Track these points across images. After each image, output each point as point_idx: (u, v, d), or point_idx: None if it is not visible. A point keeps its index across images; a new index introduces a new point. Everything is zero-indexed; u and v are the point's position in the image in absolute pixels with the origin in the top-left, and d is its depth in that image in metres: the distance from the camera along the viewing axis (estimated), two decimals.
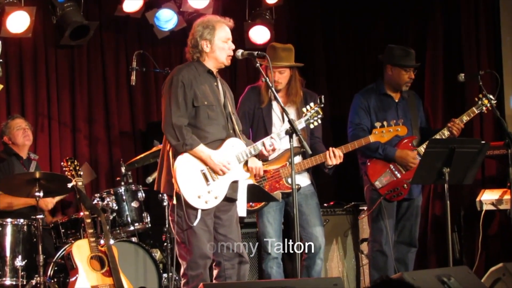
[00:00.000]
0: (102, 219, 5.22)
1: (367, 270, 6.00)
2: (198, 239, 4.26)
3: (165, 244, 5.63)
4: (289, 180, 5.07)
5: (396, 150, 5.43)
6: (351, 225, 6.24)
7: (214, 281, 4.39)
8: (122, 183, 5.79)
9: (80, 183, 5.21)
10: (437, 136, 5.34)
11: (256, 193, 4.88)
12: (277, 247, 5.23)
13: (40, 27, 6.42)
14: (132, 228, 5.70)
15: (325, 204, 6.25)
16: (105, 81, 6.77)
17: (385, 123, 5.12)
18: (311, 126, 4.62)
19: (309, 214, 5.24)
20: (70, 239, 5.56)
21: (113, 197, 5.61)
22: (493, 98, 5.30)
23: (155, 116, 6.79)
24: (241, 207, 4.57)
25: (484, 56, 6.48)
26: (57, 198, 5.94)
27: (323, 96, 4.55)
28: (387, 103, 5.58)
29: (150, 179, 5.75)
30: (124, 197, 5.70)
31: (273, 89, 4.41)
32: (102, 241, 5.17)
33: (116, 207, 5.61)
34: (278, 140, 4.44)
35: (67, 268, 5.18)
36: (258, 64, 4.41)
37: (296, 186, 5.05)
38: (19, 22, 6.14)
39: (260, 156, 4.55)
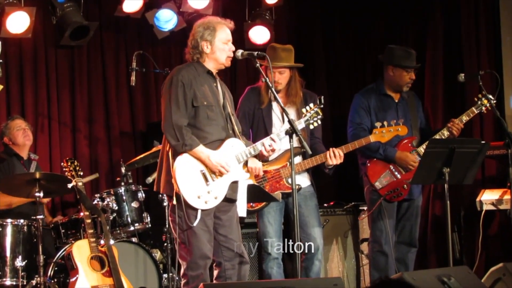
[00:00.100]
0: (102, 219, 5.22)
1: (367, 270, 6.01)
2: (198, 239, 4.26)
3: (165, 244, 5.64)
4: (290, 180, 5.07)
5: (396, 151, 5.42)
6: (351, 225, 6.24)
7: (214, 282, 4.39)
8: (122, 184, 5.79)
9: (80, 183, 5.21)
10: (437, 136, 5.34)
11: (256, 194, 4.88)
12: (277, 248, 5.23)
13: (40, 28, 6.42)
14: (132, 228, 5.70)
15: (325, 204, 6.26)
16: (105, 81, 6.77)
17: (385, 123, 5.12)
18: (311, 127, 4.62)
19: (308, 215, 5.24)
20: (70, 239, 5.57)
21: (113, 197, 5.62)
22: (492, 98, 5.30)
23: (155, 116, 6.80)
24: (241, 208, 4.57)
25: (484, 56, 6.48)
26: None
27: (322, 97, 4.55)
28: (387, 103, 5.58)
29: (150, 179, 5.75)
30: (124, 198, 5.71)
31: (273, 89, 4.41)
32: (102, 242, 5.17)
33: (116, 208, 5.62)
34: (277, 141, 4.44)
35: (67, 269, 5.18)
36: (258, 65, 4.41)
37: (297, 186, 5.07)
38: (19, 22, 6.14)
39: (260, 157, 4.56)
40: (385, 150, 5.42)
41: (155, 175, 4.52)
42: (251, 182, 4.95)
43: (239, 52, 4.40)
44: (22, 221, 5.42)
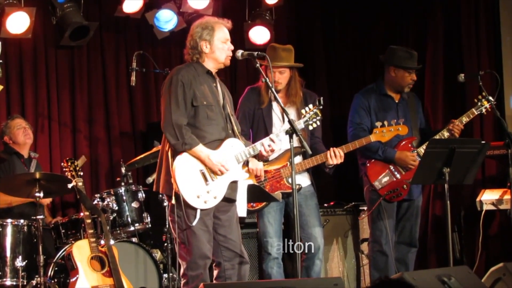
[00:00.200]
0: (103, 219, 5.22)
1: (367, 270, 6.01)
2: (198, 239, 4.26)
3: (165, 244, 5.64)
4: (290, 180, 5.07)
5: (396, 151, 5.42)
6: (351, 225, 6.24)
7: (214, 282, 4.38)
8: (122, 184, 5.79)
9: (80, 184, 5.21)
10: (437, 137, 5.34)
11: (256, 194, 4.88)
12: (278, 247, 5.23)
13: (40, 28, 6.42)
14: (132, 228, 5.70)
15: (325, 204, 6.25)
16: (105, 81, 6.77)
17: (385, 122, 5.12)
18: (310, 127, 4.61)
19: (309, 214, 5.24)
20: (71, 239, 5.57)
21: (113, 197, 5.62)
22: (493, 99, 5.30)
23: (155, 116, 6.80)
24: (241, 208, 4.57)
25: (484, 56, 6.48)
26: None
27: (322, 98, 4.55)
28: (387, 104, 5.58)
29: (150, 179, 5.75)
30: (124, 198, 5.71)
31: (273, 89, 4.41)
32: (102, 242, 5.17)
33: (116, 208, 5.62)
34: (277, 141, 4.43)
35: (67, 269, 5.18)
36: (258, 65, 4.41)
37: (297, 186, 5.07)
38: (19, 22, 6.14)
39: (260, 157, 4.55)
40: (384, 151, 5.42)
41: (155, 175, 4.52)
42: (251, 182, 4.95)
43: (239, 52, 4.40)
44: (22, 221, 5.42)
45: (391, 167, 5.45)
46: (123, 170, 5.86)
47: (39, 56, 6.51)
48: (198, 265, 4.27)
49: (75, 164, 5.29)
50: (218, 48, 4.39)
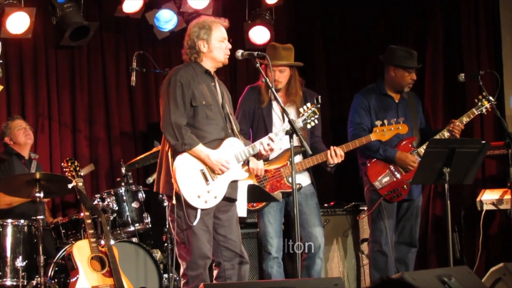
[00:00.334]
0: (103, 219, 5.22)
1: (367, 270, 6.00)
2: (198, 239, 4.26)
3: (166, 244, 5.64)
4: (290, 180, 5.07)
5: (396, 151, 5.42)
6: (352, 225, 6.25)
7: (214, 282, 4.38)
8: (123, 184, 5.80)
9: (80, 184, 5.21)
10: (437, 137, 5.33)
11: (256, 194, 4.89)
12: (278, 247, 5.24)
13: (40, 28, 6.43)
14: (132, 228, 5.70)
15: (326, 205, 6.26)
16: (105, 81, 6.77)
17: (385, 121, 5.12)
18: (308, 126, 4.61)
19: (309, 214, 5.24)
20: (71, 239, 5.57)
21: (114, 197, 5.62)
22: (493, 99, 5.30)
23: (155, 116, 6.80)
24: (241, 208, 4.57)
25: (484, 56, 6.48)
26: None
27: (320, 97, 4.55)
28: (388, 104, 5.58)
29: (150, 179, 5.75)
30: (124, 198, 5.71)
31: (273, 89, 4.41)
32: (102, 242, 5.18)
33: (117, 208, 5.62)
34: (276, 140, 4.43)
35: (67, 269, 5.18)
36: (258, 65, 4.40)
37: (298, 186, 5.07)
38: (19, 23, 6.14)
39: (259, 156, 4.55)
40: (385, 150, 5.42)
41: (155, 176, 4.53)
42: (252, 182, 4.95)
43: (239, 52, 4.40)
44: (22, 221, 5.42)
45: (392, 167, 5.45)
46: (123, 170, 5.86)
47: (39, 56, 6.51)
48: (198, 265, 4.27)
49: (76, 164, 5.29)
50: (215, 47, 4.39)
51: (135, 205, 5.73)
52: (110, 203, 5.56)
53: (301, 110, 4.60)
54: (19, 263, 5.26)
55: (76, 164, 5.30)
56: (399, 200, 5.48)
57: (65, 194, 6.16)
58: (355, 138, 5.23)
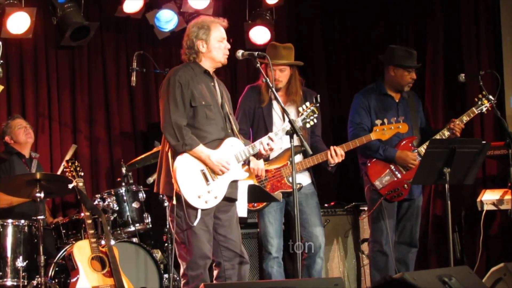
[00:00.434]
0: (103, 219, 5.23)
1: (368, 270, 6.00)
2: (198, 239, 4.26)
3: (166, 244, 5.64)
4: (291, 179, 5.07)
5: (396, 151, 5.43)
6: (352, 225, 6.25)
7: (214, 282, 4.38)
8: (123, 184, 5.80)
9: (81, 184, 5.21)
10: (437, 136, 5.34)
11: (256, 194, 4.88)
12: (278, 247, 5.24)
13: (40, 28, 6.43)
14: (133, 228, 5.70)
15: (326, 205, 6.26)
16: (106, 81, 6.78)
17: (385, 120, 5.13)
18: (307, 125, 4.60)
19: (310, 213, 5.25)
20: (71, 239, 5.57)
21: (114, 197, 5.62)
22: (493, 98, 5.30)
23: (155, 116, 6.80)
24: (242, 208, 4.57)
25: (484, 56, 6.48)
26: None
27: (318, 96, 4.56)
28: (388, 103, 5.59)
29: (151, 179, 5.75)
30: (125, 198, 5.71)
31: (273, 89, 4.41)
32: (103, 242, 5.18)
33: (117, 208, 5.62)
34: (276, 140, 4.43)
35: (68, 269, 5.18)
36: (258, 65, 4.40)
37: (298, 185, 5.08)
38: (19, 23, 6.14)
39: (259, 156, 4.55)
40: (385, 150, 5.42)
41: (155, 176, 4.53)
42: (252, 182, 4.95)
43: (240, 52, 4.40)
44: (23, 221, 5.42)
45: (392, 167, 5.45)
46: (123, 170, 5.87)
47: (40, 56, 6.52)
48: (198, 265, 4.27)
49: (76, 164, 5.29)
50: (214, 47, 4.39)
51: (135, 205, 5.73)
52: (110, 203, 5.56)
53: (300, 109, 4.61)
54: (20, 263, 5.26)
55: (76, 164, 5.30)
56: (399, 200, 5.48)
57: (65, 194, 6.16)
58: (355, 138, 5.23)
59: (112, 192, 5.68)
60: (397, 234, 5.58)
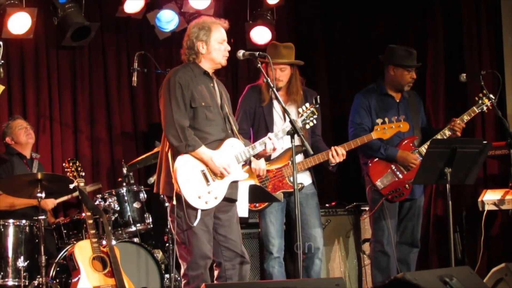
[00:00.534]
0: (104, 219, 5.23)
1: (369, 271, 6.00)
2: (198, 239, 4.26)
3: (167, 244, 5.64)
4: (292, 179, 5.07)
5: (398, 150, 5.43)
6: (353, 226, 6.24)
7: (215, 282, 4.38)
8: (124, 184, 5.80)
9: (82, 184, 5.21)
10: (438, 136, 5.34)
11: (258, 194, 4.88)
12: (279, 247, 5.24)
13: (41, 28, 6.43)
14: (134, 228, 5.71)
15: (327, 205, 6.25)
16: (107, 82, 6.78)
17: (386, 119, 5.12)
18: (307, 126, 4.61)
19: (309, 214, 5.25)
20: (72, 239, 5.57)
21: (115, 197, 5.62)
22: (493, 97, 5.30)
23: (156, 116, 6.79)
24: (242, 208, 4.57)
25: (485, 56, 6.47)
26: (59, 200, 5.94)
27: (318, 97, 4.56)
28: (388, 103, 5.58)
29: (151, 179, 5.75)
30: (126, 198, 5.71)
31: (274, 89, 4.41)
32: (104, 242, 5.18)
33: (118, 208, 5.62)
34: (275, 141, 4.43)
35: (69, 269, 5.19)
36: (259, 65, 4.40)
37: (300, 185, 5.08)
38: (20, 23, 6.14)
39: (259, 156, 4.54)
40: (386, 149, 5.42)
41: (155, 176, 4.52)
42: (253, 182, 4.95)
43: (241, 52, 4.40)
44: (24, 221, 5.42)
45: (393, 167, 5.45)
46: (124, 170, 5.87)
47: (41, 56, 6.52)
48: (198, 265, 4.28)
49: (77, 164, 5.30)
50: (214, 48, 4.38)
51: (136, 205, 5.73)
52: (111, 203, 5.57)
53: (300, 110, 4.61)
54: (21, 263, 5.26)
55: (77, 164, 5.31)
56: (401, 200, 5.48)
57: (66, 195, 6.15)
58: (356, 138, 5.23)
59: (113, 192, 5.68)
60: (398, 234, 5.57)
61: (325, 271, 5.97)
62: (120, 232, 5.67)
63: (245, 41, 6.87)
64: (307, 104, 4.60)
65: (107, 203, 5.56)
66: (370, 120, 5.51)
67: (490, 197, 6.01)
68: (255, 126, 5.30)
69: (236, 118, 5.12)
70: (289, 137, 4.30)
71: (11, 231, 5.38)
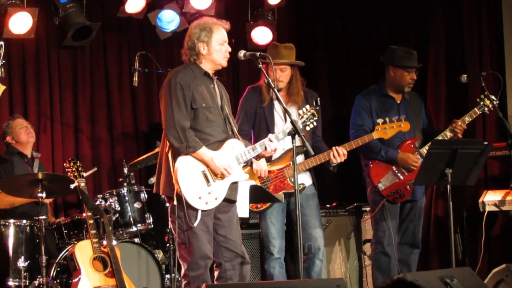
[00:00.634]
0: (105, 220, 5.23)
1: (370, 272, 6.00)
2: (199, 239, 4.26)
3: (168, 245, 5.64)
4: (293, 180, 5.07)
5: (398, 152, 5.42)
6: (354, 226, 6.24)
7: (215, 282, 4.39)
8: (125, 184, 5.80)
9: (82, 184, 5.21)
10: (439, 137, 5.33)
11: (259, 194, 4.88)
12: (280, 248, 5.24)
13: (42, 28, 6.43)
14: (134, 229, 5.71)
15: (328, 205, 6.25)
16: (108, 82, 6.78)
17: (387, 119, 5.12)
18: (307, 128, 4.61)
19: (310, 215, 5.25)
20: (73, 240, 5.57)
21: (116, 198, 5.62)
22: (495, 98, 5.30)
23: (157, 117, 6.79)
24: (243, 208, 4.57)
25: (486, 57, 6.46)
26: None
27: (318, 98, 4.57)
28: (389, 104, 5.58)
29: (152, 180, 5.73)
30: (126, 198, 5.71)
31: (275, 90, 4.41)
32: (104, 242, 5.18)
33: (119, 208, 5.62)
34: (276, 142, 4.43)
35: (69, 269, 5.19)
36: (260, 65, 4.40)
37: (301, 186, 5.08)
38: (21, 23, 6.14)
39: (259, 156, 4.54)
40: (387, 151, 5.42)
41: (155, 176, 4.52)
42: (254, 183, 4.95)
43: (242, 52, 4.40)
44: (24, 221, 5.42)
45: (394, 168, 5.45)
46: (125, 170, 5.87)
47: (42, 56, 6.52)
48: (199, 266, 4.28)
49: (78, 164, 5.30)
50: (215, 50, 4.38)
51: (137, 205, 5.73)
52: (112, 203, 5.57)
53: (300, 112, 4.61)
54: (21, 263, 5.26)
55: (78, 164, 5.31)
56: (402, 201, 5.48)
57: (67, 194, 6.16)
58: None
59: (114, 192, 5.68)
60: (399, 235, 5.57)
61: (325, 272, 5.97)
62: (120, 232, 5.67)
63: (246, 41, 6.87)
64: (308, 106, 4.60)
65: (108, 203, 5.56)
66: (371, 121, 5.51)
67: (490, 198, 6.00)
68: (256, 127, 5.30)
69: (237, 119, 5.13)
70: (290, 137, 4.30)
71: (11, 231, 5.38)
